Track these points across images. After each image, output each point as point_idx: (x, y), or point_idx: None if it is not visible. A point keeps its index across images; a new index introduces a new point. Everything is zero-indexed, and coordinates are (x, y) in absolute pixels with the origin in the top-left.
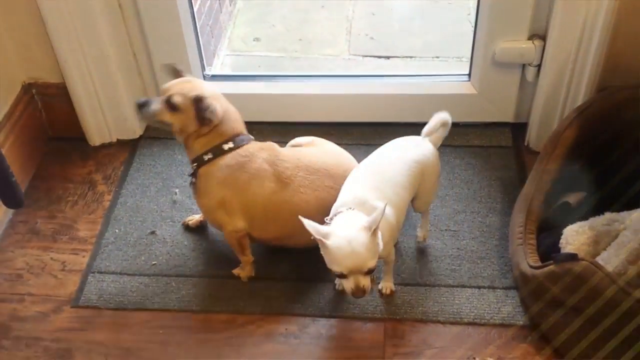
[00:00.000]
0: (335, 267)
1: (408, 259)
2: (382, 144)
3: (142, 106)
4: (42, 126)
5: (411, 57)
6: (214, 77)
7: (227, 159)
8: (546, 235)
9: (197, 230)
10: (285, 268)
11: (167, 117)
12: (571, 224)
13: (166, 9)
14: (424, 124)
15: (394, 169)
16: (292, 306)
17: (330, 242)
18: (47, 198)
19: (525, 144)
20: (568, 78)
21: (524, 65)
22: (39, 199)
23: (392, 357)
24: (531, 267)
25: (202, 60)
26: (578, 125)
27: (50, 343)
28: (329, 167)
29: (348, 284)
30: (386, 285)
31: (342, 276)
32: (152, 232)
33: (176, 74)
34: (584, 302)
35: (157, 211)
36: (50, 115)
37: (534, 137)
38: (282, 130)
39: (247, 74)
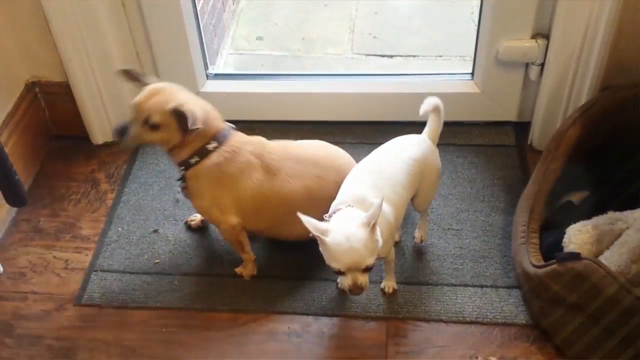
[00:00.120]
0: (334, 264)
1: (410, 258)
2: (383, 143)
3: (120, 134)
4: (45, 125)
5: (414, 56)
6: (217, 76)
7: (214, 158)
8: (548, 234)
9: (199, 229)
10: (288, 267)
11: (149, 137)
12: (574, 222)
13: (169, 8)
14: (424, 124)
15: (393, 168)
16: (295, 305)
17: (328, 239)
18: (50, 196)
19: (529, 143)
20: (571, 77)
21: (527, 64)
22: (42, 197)
23: (394, 355)
24: (534, 265)
25: (205, 59)
26: (581, 124)
27: (53, 341)
28: (317, 158)
29: (346, 281)
30: (388, 284)
31: (340, 273)
32: (155, 231)
33: (134, 78)
34: (586, 301)
35: (160, 210)
36: (53, 114)
37: (537, 136)
38: (284, 129)
39: (250, 73)
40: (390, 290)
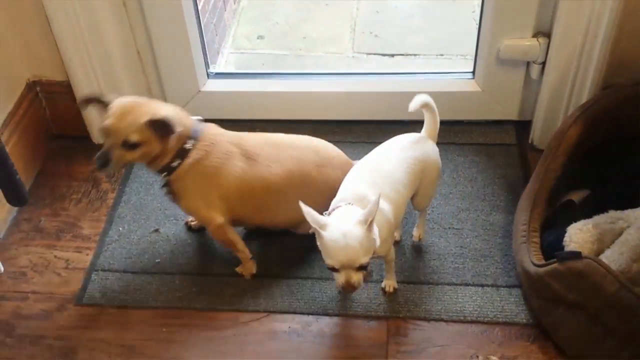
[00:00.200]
0: (328, 260)
1: (411, 257)
2: (383, 142)
3: (103, 165)
4: (46, 124)
5: (415, 54)
6: (218, 75)
7: (194, 155)
8: (549, 233)
9: (200, 229)
10: (289, 266)
11: (132, 156)
12: (575, 221)
13: (170, 7)
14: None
15: (393, 166)
16: (296, 304)
17: (326, 234)
18: (51, 196)
19: (530, 141)
20: (572, 76)
21: (528, 63)
22: (43, 196)
23: (395, 355)
24: (534, 264)
25: (206, 58)
26: (582, 123)
27: (54, 341)
28: (293, 141)
29: (339, 279)
30: (389, 283)
31: (334, 270)
32: (156, 230)
33: (96, 101)
34: (586, 300)
35: (161, 209)
36: (54, 113)
37: (538, 134)
38: (285, 128)
39: (251, 72)
40: (391, 290)
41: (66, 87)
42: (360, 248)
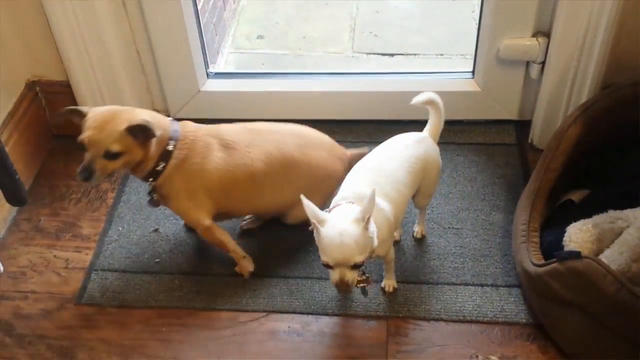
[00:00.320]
0: (324, 257)
1: (411, 257)
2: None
3: (87, 177)
4: (45, 124)
5: (415, 54)
6: (218, 75)
7: (177, 155)
8: (549, 233)
9: None
10: (288, 266)
11: (115, 166)
12: (574, 221)
13: (170, 7)
14: (426, 122)
15: (394, 165)
16: (295, 304)
17: (323, 230)
18: (50, 196)
19: (529, 141)
20: (572, 75)
21: (528, 63)
22: (43, 196)
23: (394, 355)
24: (534, 264)
25: (206, 57)
26: (582, 122)
27: (54, 340)
28: (273, 127)
29: (333, 276)
30: (388, 283)
31: (329, 266)
32: (155, 230)
33: (72, 113)
34: (586, 300)
35: (160, 209)
36: (54, 113)
37: (537, 134)
38: None
39: (250, 72)
40: (391, 289)
41: (66, 87)
42: (355, 247)
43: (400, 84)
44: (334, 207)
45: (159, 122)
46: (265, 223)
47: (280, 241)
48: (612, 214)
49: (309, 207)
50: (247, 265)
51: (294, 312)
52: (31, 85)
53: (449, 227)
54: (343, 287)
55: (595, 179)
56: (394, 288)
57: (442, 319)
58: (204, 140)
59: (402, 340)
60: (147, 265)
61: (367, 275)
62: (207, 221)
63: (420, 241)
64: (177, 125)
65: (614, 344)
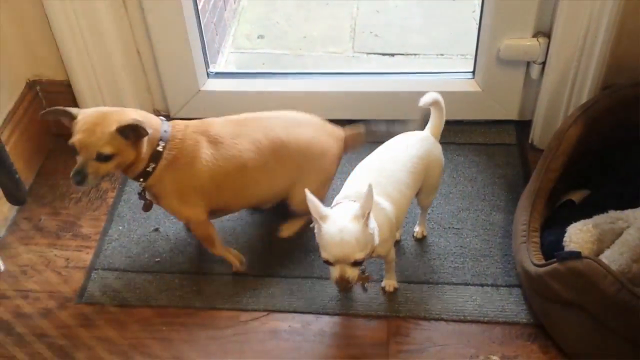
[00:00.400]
0: (324, 254)
1: (411, 257)
2: (386, 141)
3: (80, 181)
4: (46, 123)
5: (415, 54)
6: (218, 75)
7: (166, 156)
8: (549, 233)
9: None
10: (289, 265)
11: (108, 168)
12: (575, 221)
13: (170, 7)
14: (427, 122)
15: (396, 166)
16: (296, 303)
17: (324, 226)
18: (51, 195)
19: (530, 141)
20: (573, 76)
21: (528, 63)
22: (43, 195)
23: (395, 354)
24: (534, 264)
25: (206, 57)
26: (582, 123)
27: (54, 339)
28: (258, 115)
29: (334, 272)
30: (389, 283)
31: (329, 263)
32: (156, 229)
33: (60, 114)
34: (586, 300)
35: (161, 208)
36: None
37: (538, 134)
38: None
39: (251, 72)
40: (391, 289)
41: (66, 87)
42: (356, 244)
43: (401, 84)
44: (335, 205)
45: (150, 122)
46: (265, 222)
47: (281, 241)
48: (612, 214)
49: (312, 202)
50: (234, 259)
51: (295, 312)
52: (31, 85)
53: (449, 227)
54: (343, 284)
55: (596, 179)
56: (394, 288)
57: (442, 319)
58: (193, 137)
59: (402, 340)
60: (148, 265)
61: (367, 273)
62: (201, 215)
63: (420, 241)
64: (167, 126)
65: (615, 344)
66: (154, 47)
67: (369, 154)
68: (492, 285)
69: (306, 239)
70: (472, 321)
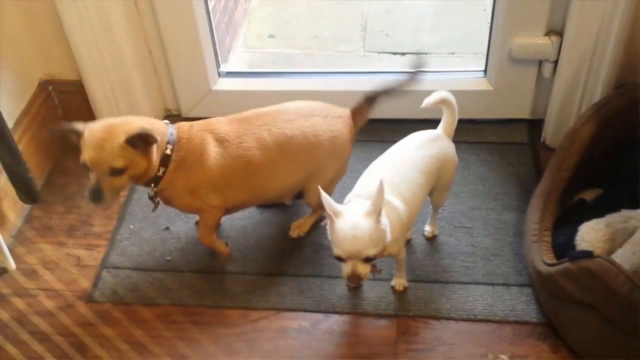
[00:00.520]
0: (336, 250)
1: (421, 256)
2: (397, 141)
3: (97, 199)
4: (58, 123)
5: (427, 53)
6: (229, 74)
7: (175, 158)
8: (561, 232)
9: None
10: (298, 264)
11: (123, 181)
12: (587, 221)
13: (181, 7)
14: (439, 121)
15: (410, 165)
16: (305, 302)
17: (337, 222)
18: (62, 194)
19: (542, 140)
20: (585, 74)
21: (540, 62)
22: (55, 194)
23: (404, 353)
24: (546, 264)
25: (217, 57)
26: (595, 122)
27: (65, 338)
28: (260, 110)
29: (345, 268)
30: (399, 282)
31: (341, 259)
32: (167, 228)
33: (66, 131)
34: (598, 299)
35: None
36: (66, 112)
37: (550, 133)
38: None
39: (262, 71)
40: (401, 288)
41: (78, 87)
42: (368, 240)
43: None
44: (346, 203)
45: (156, 127)
46: (275, 221)
47: (291, 239)
48: (624, 213)
49: (326, 199)
50: (221, 247)
51: (304, 310)
52: (44, 85)
53: (460, 226)
54: (355, 280)
55: (608, 178)
56: (404, 287)
57: (452, 318)
58: (199, 137)
59: (412, 339)
60: (158, 263)
61: (379, 268)
62: (216, 200)
63: (431, 240)
64: (172, 128)
65: (626, 344)
66: (165, 47)
67: (381, 153)
68: (502, 284)
69: (316, 237)
70: (482, 320)
